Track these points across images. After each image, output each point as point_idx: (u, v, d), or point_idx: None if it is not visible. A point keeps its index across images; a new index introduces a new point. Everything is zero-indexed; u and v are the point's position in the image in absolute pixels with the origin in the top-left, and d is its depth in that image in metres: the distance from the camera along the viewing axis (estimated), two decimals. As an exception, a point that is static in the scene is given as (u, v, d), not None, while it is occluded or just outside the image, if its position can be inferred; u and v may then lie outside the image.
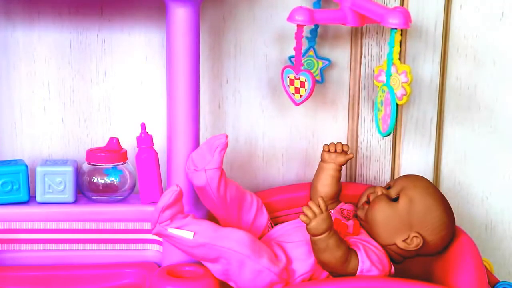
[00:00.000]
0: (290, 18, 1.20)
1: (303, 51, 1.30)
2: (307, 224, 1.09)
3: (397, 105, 1.22)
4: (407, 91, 1.19)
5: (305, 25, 1.20)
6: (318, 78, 1.31)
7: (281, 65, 1.27)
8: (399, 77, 1.20)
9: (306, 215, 1.08)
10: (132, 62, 1.30)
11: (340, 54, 1.33)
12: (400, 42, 1.23)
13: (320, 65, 1.31)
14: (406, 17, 1.14)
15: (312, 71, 1.30)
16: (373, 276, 1.11)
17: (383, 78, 1.22)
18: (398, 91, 1.20)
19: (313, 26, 1.29)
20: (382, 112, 1.25)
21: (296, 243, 1.14)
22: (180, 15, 1.14)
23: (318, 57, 1.31)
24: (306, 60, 1.31)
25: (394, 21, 1.14)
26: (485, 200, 1.41)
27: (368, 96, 1.35)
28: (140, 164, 1.21)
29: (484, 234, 1.42)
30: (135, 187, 1.24)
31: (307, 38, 1.30)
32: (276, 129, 1.35)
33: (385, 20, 1.14)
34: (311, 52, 1.30)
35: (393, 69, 1.21)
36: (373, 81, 1.34)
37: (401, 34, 1.23)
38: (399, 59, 1.22)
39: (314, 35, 1.30)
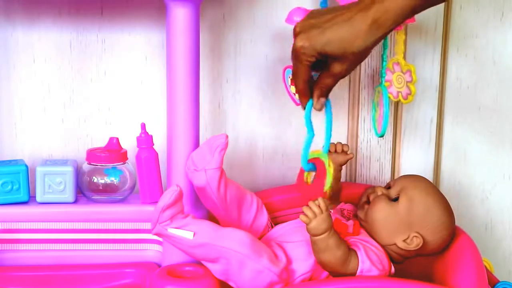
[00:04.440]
0: (288, 20, 1.20)
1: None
2: (307, 224, 1.09)
3: (389, 106, 1.22)
4: (412, 90, 1.20)
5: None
6: None
7: (281, 65, 1.27)
8: (404, 76, 1.20)
9: (306, 215, 1.08)
10: (132, 62, 1.30)
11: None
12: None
13: None
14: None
15: None
16: (373, 276, 1.11)
17: (389, 77, 1.22)
18: (403, 91, 1.21)
19: None
20: (378, 113, 1.25)
21: (296, 243, 1.14)
22: (180, 15, 1.14)
23: None
24: None
25: None
26: (485, 200, 1.41)
27: (368, 96, 1.35)
28: (140, 164, 1.21)
29: (484, 234, 1.42)
30: (135, 187, 1.24)
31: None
32: (276, 129, 1.35)
33: None
34: None
35: (397, 68, 1.21)
36: (373, 81, 1.35)
37: (404, 34, 1.24)
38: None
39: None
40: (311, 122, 1.11)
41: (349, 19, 1.00)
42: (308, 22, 1.03)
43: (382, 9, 0.98)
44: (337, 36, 1.00)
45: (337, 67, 1.03)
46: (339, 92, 1.35)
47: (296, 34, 1.03)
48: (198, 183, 1.15)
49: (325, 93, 1.08)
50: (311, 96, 1.08)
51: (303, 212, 1.09)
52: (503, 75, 1.36)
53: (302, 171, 1.18)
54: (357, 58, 1.02)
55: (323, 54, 1.02)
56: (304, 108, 1.10)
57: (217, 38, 1.31)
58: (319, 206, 1.09)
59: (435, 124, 1.38)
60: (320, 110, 1.10)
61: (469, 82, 1.37)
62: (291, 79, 1.25)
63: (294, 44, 1.02)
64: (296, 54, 1.03)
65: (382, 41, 1.21)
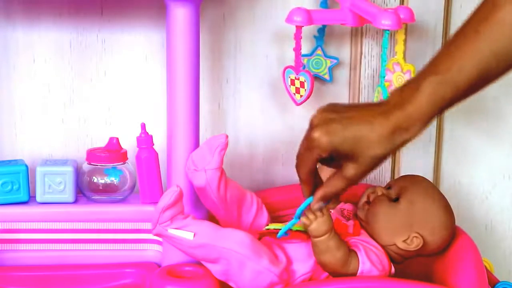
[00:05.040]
0: (289, 19, 1.20)
1: (311, 50, 1.30)
2: (307, 226, 1.08)
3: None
4: (412, 90, 1.19)
5: (303, 26, 1.20)
6: (326, 77, 1.32)
7: (282, 65, 1.27)
8: (404, 76, 1.20)
9: (307, 217, 1.08)
10: (132, 62, 1.30)
11: (340, 53, 1.33)
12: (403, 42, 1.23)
13: (328, 64, 1.31)
14: (398, 18, 1.15)
15: (320, 70, 1.31)
16: (373, 276, 1.11)
17: (389, 77, 1.22)
18: None
19: (320, 26, 1.30)
20: None
21: (296, 244, 1.14)
22: (180, 15, 1.14)
23: (326, 56, 1.31)
24: (314, 59, 1.31)
25: (386, 22, 1.14)
26: (485, 200, 1.41)
27: (368, 96, 1.35)
28: (140, 164, 1.21)
29: (484, 234, 1.42)
30: (135, 187, 1.24)
31: (315, 37, 1.30)
32: (276, 129, 1.35)
33: (377, 21, 1.15)
34: (319, 51, 1.30)
35: (397, 68, 1.21)
36: (373, 81, 1.35)
37: (404, 33, 1.24)
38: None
39: (322, 34, 1.30)
40: (302, 212, 1.07)
41: (370, 122, 0.92)
42: (327, 116, 0.95)
43: (403, 116, 0.91)
44: (357, 137, 0.93)
45: (350, 170, 0.95)
46: (339, 92, 1.35)
47: (313, 126, 0.95)
48: (198, 183, 1.15)
49: (330, 198, 1.01)
50: (313, 186, 1.01)
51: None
52: (503, 75, 1.36)
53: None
54: (374, 163, 0.94)
55: (338, 152, 0.95)
56: (305, 196, 1.03)
57: (217, 38, 1.31)
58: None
59: (435, 124, 1.37)
60: (317, 210, 1.04)
61: (469, 82, 1.36)
62: (290, 79, 1.25)
63: (309, 135, 0.95)
64: (310, 145, 0.96)
65: (382, 41, 1.22)
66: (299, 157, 0.99)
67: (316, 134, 0.95)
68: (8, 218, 1.20)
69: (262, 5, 1.30)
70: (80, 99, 1.31)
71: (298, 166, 1.00)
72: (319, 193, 1.01)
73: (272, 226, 1.15)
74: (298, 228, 1.12)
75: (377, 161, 0.94)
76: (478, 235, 1.36)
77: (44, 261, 1.21)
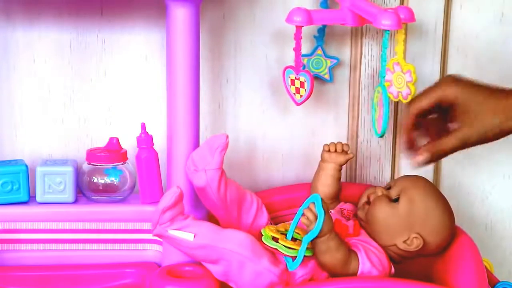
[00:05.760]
0: (288, 19, 1.20)
1: (311, 50, 1.30)
2: (308, 227, 1.08)
3: (389, 105, 1.22)
4: (412, 90, 1.19)
5: (303, 26, 1.20)
6: (326, 77, 1.32)
7: (282, 65, 1.27)
8: (404, 76, 1.20)
9: (307, 218, 1.08)
10: (132, 62, 1.30)
11: (340, 53, 1.33)
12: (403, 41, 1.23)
13: (329, 64, 1.31)
14: (398, 18, 1.15)
15: (320, 70, 1.31)
16: (373, 276, 1.11)
17: (389, 77, 1.22)
18: (404, 91, 1.20)
19: (320, 25, 1.30)
20: (378, 113, 1.25)
21: (296, 244, 1.14)
22: (180, 15, 1.14)
23: (326, 56, 1.31)
24: (315, 59, 1.31)
25: (386, 22, 1.14)
26: (485, 200, 1.41)
27: (368, 96, 1.35)
28: (140, 164, 1.21)
29: (484, 233, 1.42)
30: (135, 187, 1.24)
31: (315, 37, 1.30)
32: (276, 129, 1.35)
33: (377, 21, 1.15)
34: (319, 51, 1.31)
35: (397, 68, 1.21)
36: (373, 81, 1.35)
37: (404, 33, 1.23)
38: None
39: (322, 34, 1.30)
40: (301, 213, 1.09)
41: (496, 92, 0.97)
42: (460, 76, 1.03)
43: None
44: (481, 99, 0.97)
45: (465, 131, 0.99)
46: (339, 92, 1.35)
47: (446, 75, 1.02)
48: (198, 184, 1.15)
49: (438, 157, 1.02)
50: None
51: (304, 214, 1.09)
52: (503, 75, 1.36)
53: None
54: (488, 130, 0.97)
55: (458, 105, 0.98)
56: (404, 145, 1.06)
57: (217, 38, 1.31)
58: (320, 208, 1.08)
59: (435, 124, 1.37)
60: (416, 166, 1.06)
61: (469, 82, 1.36)
62: (290, 79, 1.24)
63: (442, 78, 1.02)
64: (438, 83, 1.01)
65: (382, 41, 1.21)
66: (419, 94, 1.03)
67: (449, 78, 1.00)
68: (8, 218, 1.20)
69: (262, 5, 1.30)
70: (80, 99, 1.31)
71: (414, 99, 1.05)
72: (429, 147, 1.03)
73: (267, 241, 1.13)
74: (308, 254, 1.11)
75: (491, 130, 0.98)
76: (478, 235, 1.36)
77: (44, 261, 1.21)
